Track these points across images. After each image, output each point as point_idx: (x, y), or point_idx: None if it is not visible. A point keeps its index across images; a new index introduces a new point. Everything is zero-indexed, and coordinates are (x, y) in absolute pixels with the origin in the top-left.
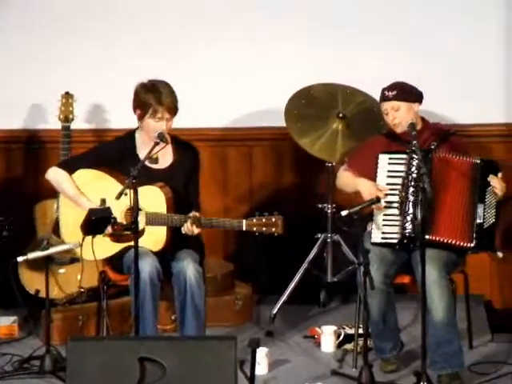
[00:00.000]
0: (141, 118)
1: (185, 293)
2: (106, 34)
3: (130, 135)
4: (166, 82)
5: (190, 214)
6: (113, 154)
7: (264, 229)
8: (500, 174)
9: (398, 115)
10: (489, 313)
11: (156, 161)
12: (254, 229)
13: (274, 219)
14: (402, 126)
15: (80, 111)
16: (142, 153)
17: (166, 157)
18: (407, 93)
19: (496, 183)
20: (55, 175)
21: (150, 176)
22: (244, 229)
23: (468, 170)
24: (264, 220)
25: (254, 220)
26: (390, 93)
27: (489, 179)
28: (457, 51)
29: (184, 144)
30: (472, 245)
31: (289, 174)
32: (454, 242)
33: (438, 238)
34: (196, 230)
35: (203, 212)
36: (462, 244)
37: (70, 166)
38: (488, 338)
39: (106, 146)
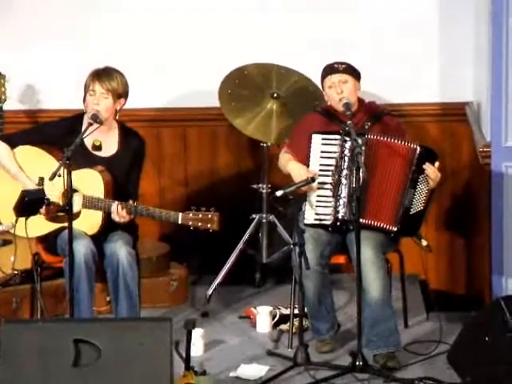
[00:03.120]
0: (84, 99)
1: (117, 275)
2: (39, 12)
3: (77, 117)
4: (116, 69)
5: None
6: (57, 133)
7: (199, 224)
8: (437, 164)
9: (346, 88)
10: (424, 292)
11: (99, 148)
12: (190, 223)
13: (210, 215)
14: (348, 100)
15: (13, 92)
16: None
17: (111, 145)
18: (354, 69)
19: (431, 172)
20: None
21: (93, 163)
22: (179, 222)
23: (405, 155)
24: (200, 215)
25: (191, 214)
26: (340, 65)
27: (424, 167)
28: (391, 30)
29: (131, 133)
30: (395, 228)
31: (224, 155)
32: (378, 225)
33: (366, 221)
34: (125, 215)
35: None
36: (385, 226)
37: (12, 141)
38: (423, 317)
39: (52, 124)
